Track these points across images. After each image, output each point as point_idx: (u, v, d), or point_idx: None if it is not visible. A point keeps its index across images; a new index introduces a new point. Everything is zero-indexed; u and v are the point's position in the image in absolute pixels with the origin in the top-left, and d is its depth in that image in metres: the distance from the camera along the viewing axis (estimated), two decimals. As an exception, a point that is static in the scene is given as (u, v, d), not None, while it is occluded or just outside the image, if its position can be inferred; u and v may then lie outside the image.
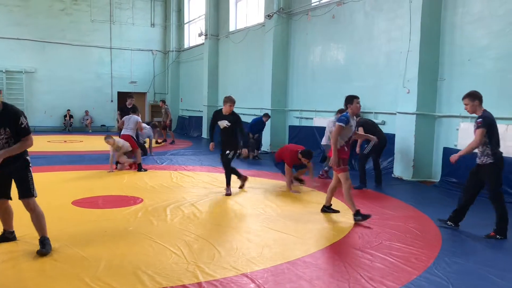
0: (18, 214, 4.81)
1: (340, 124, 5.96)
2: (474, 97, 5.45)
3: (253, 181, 8.83)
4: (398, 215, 6.35)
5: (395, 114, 9.56)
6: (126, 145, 9.89)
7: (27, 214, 4.53)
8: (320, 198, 7.53)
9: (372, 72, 10.87)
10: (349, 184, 6.01)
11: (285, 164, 8.06)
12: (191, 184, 8.62)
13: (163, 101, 16.01)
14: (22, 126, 4.30)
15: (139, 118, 10.56)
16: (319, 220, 6.06)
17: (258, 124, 12.72)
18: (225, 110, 7.71)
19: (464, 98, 5.53)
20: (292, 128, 13.70)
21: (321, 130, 12.36)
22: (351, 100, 6.15)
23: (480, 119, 5.33)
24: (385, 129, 9.96)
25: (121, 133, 10.42)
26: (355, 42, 11.40)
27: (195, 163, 11.52)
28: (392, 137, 9.58)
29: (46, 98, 21.64)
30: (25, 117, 4.36)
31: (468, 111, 5.57)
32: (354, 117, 6.26)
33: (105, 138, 9.72)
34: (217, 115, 7.85)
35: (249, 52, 16.40)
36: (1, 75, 20.65)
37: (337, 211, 6.42)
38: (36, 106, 21.53)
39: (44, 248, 4.42)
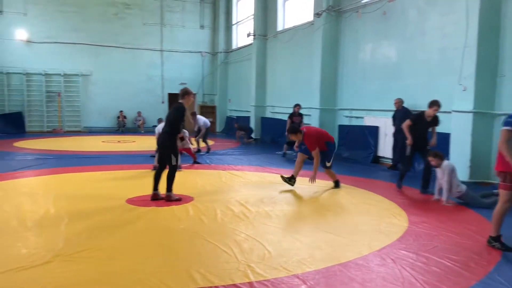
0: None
1: (507, 128, 4.65)
2: None
3: (302, 181, 8.76)
4: (454, 218, 6.09)
5: (450, 112, 9.19)
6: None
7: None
8: (366, 198, 7.36)
9: (424, 69, 10.51)
10: (508, 206, 4.80)
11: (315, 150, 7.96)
12: (240, 183, 8.67)
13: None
14: None
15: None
16: (370, 222, 5.91)
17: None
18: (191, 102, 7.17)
19: None
20: (341, 128, 13.49)
21: (372, 130, 12.14)
22: None
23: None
24: (439, 128, 9.60)
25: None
26: (406, 39, 11.07)
27: (244, 162, 11.58)
28: (447, 136, 9.21)
29: (100, 100, 22.46)
30: None
31: None
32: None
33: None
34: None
35: (297, 51, 16.29)
36: (60, 78, 21.66)
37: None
38: (91, 107, 22.43)
39: None
